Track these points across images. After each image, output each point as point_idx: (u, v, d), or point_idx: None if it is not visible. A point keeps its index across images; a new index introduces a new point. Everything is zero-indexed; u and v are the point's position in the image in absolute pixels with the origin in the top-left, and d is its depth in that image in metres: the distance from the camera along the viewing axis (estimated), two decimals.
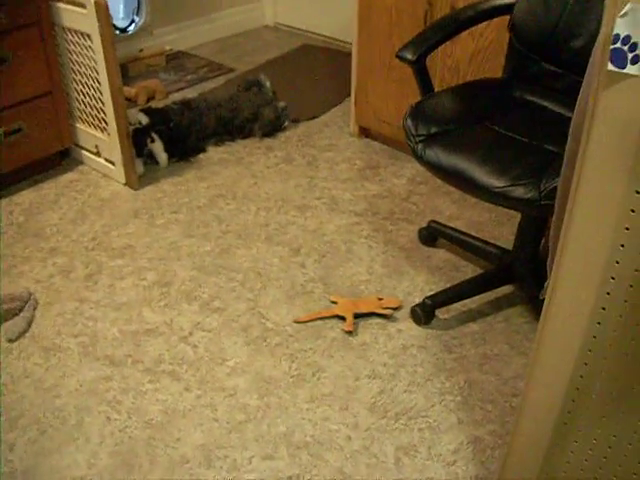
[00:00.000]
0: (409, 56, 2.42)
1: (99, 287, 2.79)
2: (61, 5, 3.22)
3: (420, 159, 2.34)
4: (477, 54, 3.09)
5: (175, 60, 4.80)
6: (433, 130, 2.36)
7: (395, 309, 2.64)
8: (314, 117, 4.01)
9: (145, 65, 4.61)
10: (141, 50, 4.66)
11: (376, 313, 2.61)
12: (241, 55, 4.93)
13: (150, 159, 3.57)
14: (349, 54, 3.63)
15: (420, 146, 2.34)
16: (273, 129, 3.82)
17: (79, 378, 2.38)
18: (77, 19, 3.16)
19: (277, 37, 5.29)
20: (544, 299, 1.44)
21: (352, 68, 3.62)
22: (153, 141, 3.51)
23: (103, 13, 3.03)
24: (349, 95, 3.77)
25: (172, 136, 3.55)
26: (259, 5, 5.40)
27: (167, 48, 4.79)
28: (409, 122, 2.39)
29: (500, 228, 3.06)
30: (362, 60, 3.54)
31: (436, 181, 3.42)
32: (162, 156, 3.54)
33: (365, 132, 3.78)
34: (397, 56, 2.44)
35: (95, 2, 3.01)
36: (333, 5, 4.93)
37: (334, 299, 2.68)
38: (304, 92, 4.29)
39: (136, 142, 3.39)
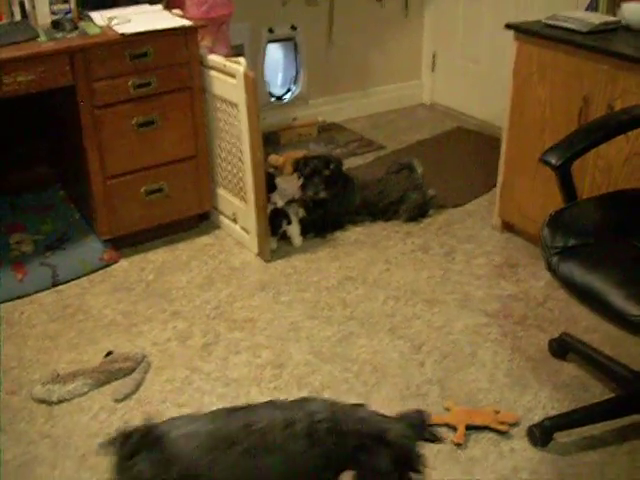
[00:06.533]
0: (553, 161, 2.29)
1: (213, 358, 2.77)
2: (214, 73, 3.30)
3: (553, 272, 2.19)
4: (632, 157, 2.89)
5: (327, 132, 4.83)
6: (571, 242, 2.21)
7: (511, 425, 2.47)
8: (458, 205, 3.90)
9: (297, 134, 4.66)
10: (295, 119, 4.72)
11: (491, 427, 2.45)
12: (393, 133, 4.90)
13: (283, 238, 3.55)
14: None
15: (555, 259, 2.19)
16: (418, 215, 3.75)
17: None
18: (227, 88, 3.23)
19: (432, 116, 5.23)
20: None
21: (500, 160, 3.50)
22: (290, 223, 3.49)
23: (251, 85, 3.07)
24: (496, 185, 3.65)
25: (313, 208, 3.54)
26: (418, 83, 5.37)
27: (320, 119, 4.83)
28: (546, 232, 2.25)
29: (639, 347, 2.83)
30: (511, 153, 3.42)
31: None
32: (297, 239, 3.52)
33: (508, 226, 3.63)
34: (540, 160, 2.32)
35: (244, 74, 3.06)
36: (491, 89, 4.82)
37: (448, 406, 2.54)
38: (451, 177, 4.20)
39: (272, 222, 3.40)
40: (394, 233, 3.65)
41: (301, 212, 3.59)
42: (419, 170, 3.85)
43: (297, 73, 4.72)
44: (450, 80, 5.22)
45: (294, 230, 3.50)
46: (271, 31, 4.50)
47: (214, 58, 3.29)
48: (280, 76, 4.77)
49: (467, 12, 4.89)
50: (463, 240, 3.58)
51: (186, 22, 3.18)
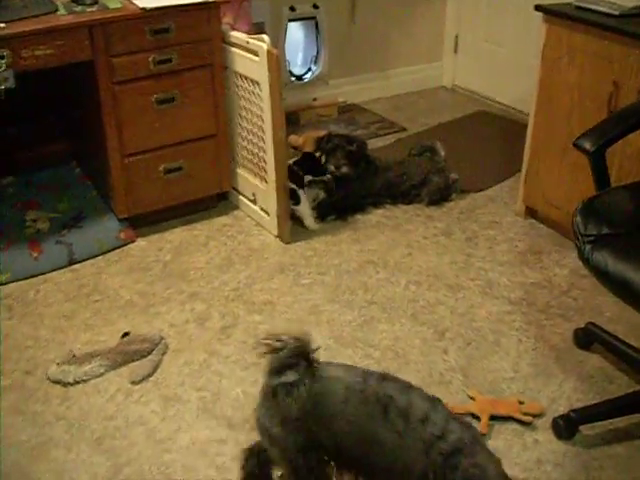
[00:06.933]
0: (587, 146, 2.22)
1: (231, 341, 2.72)
2: (235, 50, 3.23)
3: (586, 262, 2.12)
4: None
5: (347, 113, 4.76)
6: (605, 231, 2.14)
7: (536, 416, 2.41)
8: (481, 190, 3.83)
9: (316, 114, 4.59)
10: (315, 99, 4.65)
11: (514, 418, 2.39)
12: (414, 115, 4.82)
13: (294, 219, 3.45)
14: (525, 126, 3.44)
15: (588, 247, 2.12)
16: (440, 198, 3.68)
17: (193, 435, 2.31)
18: (249, 66, 3.16)
19: (453, 99, 5.16)
20: None
21: (526, 145, 3.42)
22: (297, 203, 3.41)
23: (274, 63, 3.00)
24: (520, 170, 3.59)
25: (335, 188, 3.48)
26: (439, 65, 5.29)
27: (340, 100, 4.76)
28: (579, 219, 2.18)
29: None
30: (537, 138, 3.34)
31: None
32: (308, 220, 3.44)
33: (531, 213, 3.56)
34: (574, 144, 2.25)
35: (268, 51, 2.99)
36: (514, 73, 4.74)
37: (472, 394, 2.48)
38: (474, 161, 4.12)
39: None
40: (416, 217, 3.59)
41: (322, 194, 3.51)
42: (442, 153, 3.78)
43: (318, 53, 4.64)
44: (472, 63, 5.13)
45: (304, 211, 3.42)
46: (292, 9, 4.42)
47: (237, 35, 3.22)
48: (300, 55, 4.69)
49: None
50: (486, 225, 3.52)
51: None
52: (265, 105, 3.11)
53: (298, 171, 3.45)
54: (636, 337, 2.74)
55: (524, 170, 3.47)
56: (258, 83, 3.12)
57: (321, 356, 2.59)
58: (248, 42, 3.12)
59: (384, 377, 1.85)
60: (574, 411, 2.33)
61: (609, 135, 2.23)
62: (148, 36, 3.03)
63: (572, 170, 3.20)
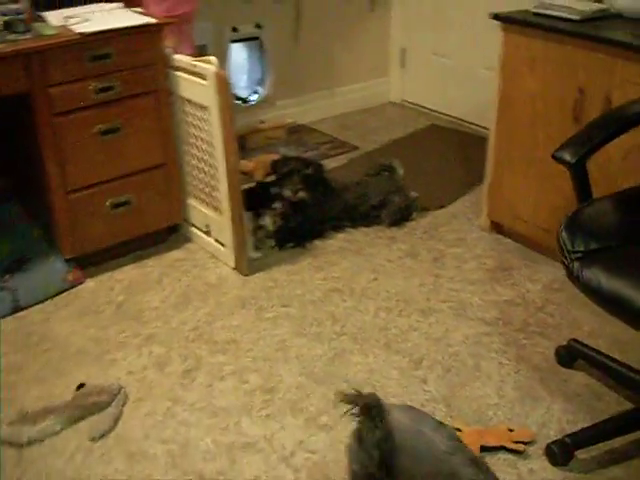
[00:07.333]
0: (568, 158, 2.10)
1: (196, 386, 2.52)
2: (181, 74, 3.06)
3: (576, 280, 2.00)
4: (634, 151, 2.72)
5: (296, 134, 4.61)
6: (593, 246, 2.02)
7: (527, 443, 2.28)
8: (441, 206, 3.70)
9: (265, 137, 4.43)
10: (262, 122, 4.49)
11: (506, 447, 2.25)
12: (365, 133, 4.70)
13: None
14: (480, 138, 3.33)
15: (576, 265, 2.00)
16: (401, 218, 3.54)
17: None
18: (196, 90, 2.99)
19: (403, 115, 5.04)
20: None
21: (487, 159, 3.31)
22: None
23: (223, 86, 2.85)
24: (479, 184, 3.48)
25: (292, 215, 3.32)
26: (386, 80, 5.18)
27: (288, 121, 4.60)
28: (565, 235, 2.06)
29: None
30: (499, 150, 3.24)
31: (575, 289, 3.04)
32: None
33: (497, 227, 3.45)
34: (554, 157, 2.13)
35: (216, 74, 2.83)
36: (463, 85, 4.67)
37: (458, 426, 2.33)
38: (431, 177, 4.00)
39: None
40: (378, 239, 3.45)
41: (277, 220, 3.35)
42: (400, 172, 3.66)
43: (263, 74, 4.49)
44: (421, 76, 5.03)
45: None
46: (235, 30, 4.26)
47: (181, 58, 3.05)
48: (245, 77, 4.53)
49: (437, 5, 4.70)
50: (451, 244, 3.39)
51: (150, 20, 2.93)
52: (215, 131, 2.94)
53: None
54: (619, 350, 2.66)
55: (487, 184, 3.36)
56: (207, 108, 2.95)
57: (293, 395, 2.44)
58: (194, 65, 2.94)
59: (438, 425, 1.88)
60: (569, 436, 2.21)
61: (589, 145, 2.11)
62: (87, 63, 2.83)
63: (538, 181, 3.11)
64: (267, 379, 2.55)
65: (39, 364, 2.65)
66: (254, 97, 4.50)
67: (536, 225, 3.17)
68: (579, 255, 2.01)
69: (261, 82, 4.52)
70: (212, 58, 2.88)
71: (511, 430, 2.31)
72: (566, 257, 2.03)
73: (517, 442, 2.27)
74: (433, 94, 4.95)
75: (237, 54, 4.44)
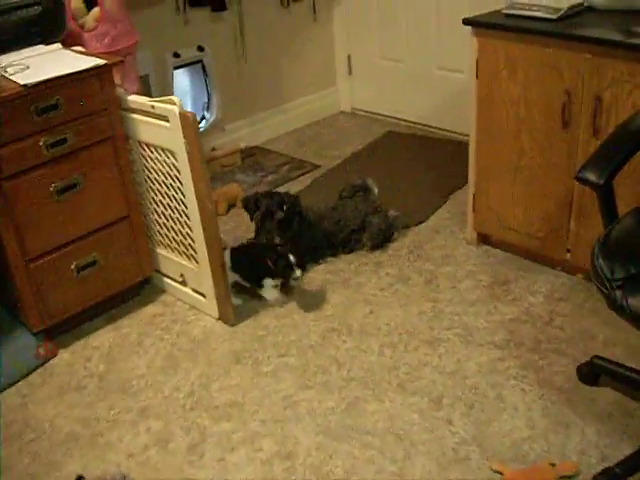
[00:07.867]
0: (594, 178, 1.94)
1: (206, 462, 2.29)
2: (137, 117, 2.80)
3: (620, 310, 1.85)
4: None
5: (251, 157, 4.38)
6: (633, 270, 1.86)
7: (571, 477, 2.12)
8: (421, 222, 3.52)
9: (219, 165, 4.19)
10: (213, 149, 4.25)
11: None
12: (321, 147, 4.49)
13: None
14: (441, 140, 3.15)
15: (619, 293, 1.84)
16: (383, 240, 3.34)
17: None
18: (157, 133, 2.74)
19: (356, 124, 4.85)
20: None
21: (469, 169, 3.15)
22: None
23: (191, 128, 2.60)
24: (452, 191, 3.29)
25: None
26: (334, 90, 4.99)
27: (242, 145, 4.36)
28: (601, 262, 1.91)
29: None
30: (482, 160, 3.07)
31: (578, 296, 2.91)
32: (272, 292, 3.05)
33: (484, 239, 3.29)
34: (577, 178, 1.97)
35: (181, 115, 2.58)
36: (416, 88, 4.50)
37: (498, 468, 2.18)
38: (401, 190, 3.81)
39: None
40: (364, 266, 3.25)
41: None
42: (375, 190, 3.46)
43: (209, 98, 4.24)
44: (370, 83, 4.85)
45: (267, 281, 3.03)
46: (177, 55, 4.00)
47: (137, 99, 2.78)
48: (190, 104, 4.27)
49: (381, 9, 4.52)
50: (440, 262, 3.22)
51: (99, 61, 2.67)
52: (184, 177, 2.70)
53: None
54: (636, 360, 2.53)
55: (471, 195, 3.19)
56: (172, 152, 2.71)
57: (315, 458, 2.23)
58: (153, 107, 2.69)
59: None
60: (619, 466, 2.08)
61: (615, 161, 1.94)
62: (35, 117, 2.56)
63: (526, 188, 2.96)
64: (282, 443, 2.33)
65: (27, 458, 2.37)
66: (202, 123, 4.24)
67: (529, 234, 3.02)
68: (619, 283, 1.86)
69: (208, 107, 4.27)
70: (174, 98, 2.62)
71: (553, 464, 2.16)
72: (606, 286, 1.88)
73: (563, 477, 2.12)
74: (385, 100, 4.77)
75: (181, 80, 4.18)
